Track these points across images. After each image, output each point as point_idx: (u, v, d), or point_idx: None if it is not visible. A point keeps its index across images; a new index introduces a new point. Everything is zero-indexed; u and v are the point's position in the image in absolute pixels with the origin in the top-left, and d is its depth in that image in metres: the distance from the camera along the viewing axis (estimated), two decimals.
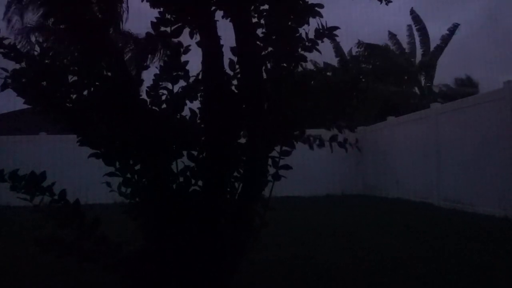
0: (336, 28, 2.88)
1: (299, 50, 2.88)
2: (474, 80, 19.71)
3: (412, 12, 18.27)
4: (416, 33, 18.43)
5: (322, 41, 2.90)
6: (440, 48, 18.08)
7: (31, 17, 14.53)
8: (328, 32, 2.88)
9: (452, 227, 6.18)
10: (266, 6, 2.91)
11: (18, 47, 2.70)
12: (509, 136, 6.78)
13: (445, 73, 19.67)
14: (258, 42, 2.89)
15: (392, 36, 18.73)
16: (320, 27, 2.86)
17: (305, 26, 2.87)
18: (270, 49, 2.90)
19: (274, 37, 2.88)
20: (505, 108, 6.94)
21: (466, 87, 18.69)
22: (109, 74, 2.81)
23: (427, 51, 18.29)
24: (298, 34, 2.87)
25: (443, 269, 3.84)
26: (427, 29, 18.26)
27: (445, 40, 18.05)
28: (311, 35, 2.88)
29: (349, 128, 2.94)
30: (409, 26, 18.49)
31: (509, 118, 6.81)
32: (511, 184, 6.70)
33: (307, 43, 2.88)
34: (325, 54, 18.60)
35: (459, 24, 18.03)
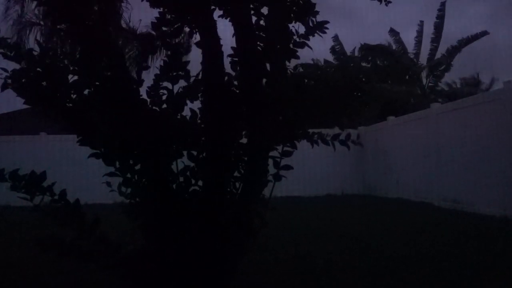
0: (325, 22, 2.86)
1: (291, 45, 2.88)
2: (481, 80, 19.61)
3: (441, 8, 17.97)
4: (432, 30, 18.17)
5: (313, 36, 2.89)
6: (456, 49, 17.91)
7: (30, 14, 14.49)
8: (319, 26, 2.87)
9: (452, 227, 6.18)
10: (265, 6, 2.92)
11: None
12: (509, 136, 6.78)
13: (456, 73, 19.57)
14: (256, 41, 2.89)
15: (394, 33, 18.55)
16: (311, 25, 2.86)
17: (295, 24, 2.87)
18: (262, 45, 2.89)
19: (265, 35, 2.87)
20: (505, 108, 6.93)
21: (471, 87, 18.61)
22: (109, 74, 2.81)
23: (434, 50, 18.21)
24: (289, 30, 2.86)
25: (443, 269, 3.83)
26: (442, 28, 18.09)
27: (465, 42, 17.84)
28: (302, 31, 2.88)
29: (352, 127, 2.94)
30: (421, 22, 18.33)
31: (509, 118, 6.81)
32: (511, 184, 6.70)
33: (297, 39, 2.87)
34: (327, 56, 18.64)
35: (488, 33, 17.72)
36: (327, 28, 2.88)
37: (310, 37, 2.88)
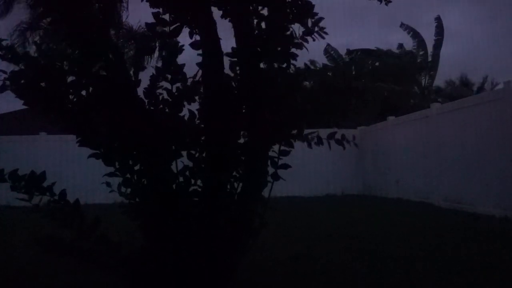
0: (321, 19, 2.85)
1: (290, 48, 2.87)
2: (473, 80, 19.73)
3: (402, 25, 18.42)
4: (413, 36, 18.51)
5: (312, 37, 2.88)
6: (437, 45, 18.13)
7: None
8: (318, 28, 2.86)
9: (452, 227, 6.18)
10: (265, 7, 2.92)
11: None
12: (509, 136, 6.78)
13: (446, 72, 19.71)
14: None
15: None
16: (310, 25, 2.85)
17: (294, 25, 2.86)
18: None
19: (265, 36, 2.87)
20: (505, 108, 6.94)
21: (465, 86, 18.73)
22: (108, 74, 2.80)
23: (425, 51, 18.36)
24: (288, 32, 2.86)
25: (443, 269, 3.83)
26: (420, 34, 18.39)
27: (439, 36, 18.13)
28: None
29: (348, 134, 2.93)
30: (407, 26, 18.59)
31: (509, 118, 6.81)
32: (511, 184, 6.70)
33: (297, 40, 2.87)
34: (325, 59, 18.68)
35: (438, 15, 18.18)
36: (326, 34, 2.87)
37: (308, 38, 2.88)
